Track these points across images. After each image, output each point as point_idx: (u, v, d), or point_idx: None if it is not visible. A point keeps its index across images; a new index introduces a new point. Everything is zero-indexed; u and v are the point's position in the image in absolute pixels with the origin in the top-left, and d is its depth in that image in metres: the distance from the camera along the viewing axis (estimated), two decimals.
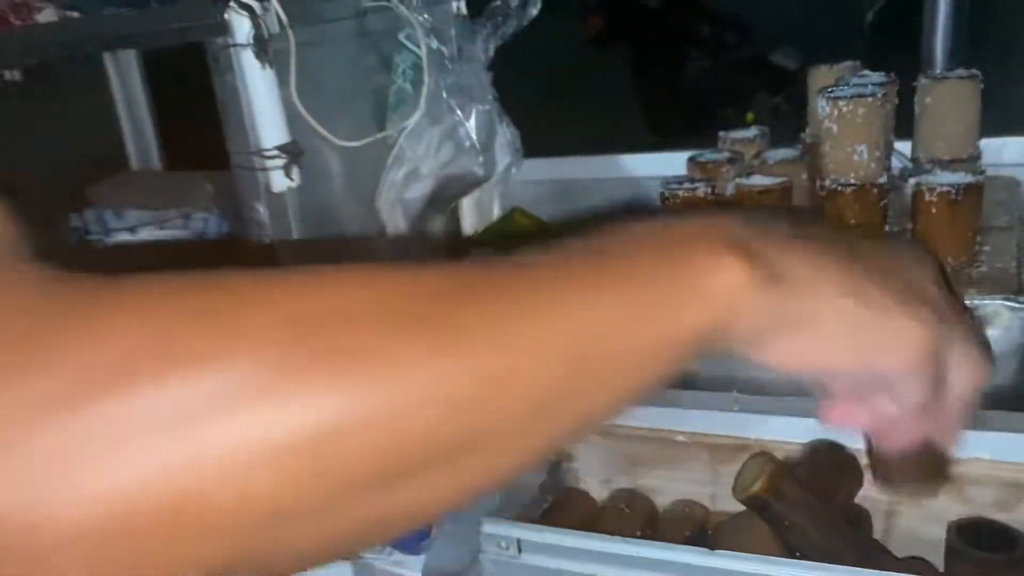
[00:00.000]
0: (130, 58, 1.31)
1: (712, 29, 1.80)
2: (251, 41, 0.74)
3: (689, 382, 0.72)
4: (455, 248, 1.05)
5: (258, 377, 0.23)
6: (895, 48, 1.10)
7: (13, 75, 1.07)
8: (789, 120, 0.99)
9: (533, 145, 1.07)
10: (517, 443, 0.29)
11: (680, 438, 0.70)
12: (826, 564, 0.53)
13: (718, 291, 0.30)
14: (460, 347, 0.26)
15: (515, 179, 1.05)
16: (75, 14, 0.85)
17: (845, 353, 0.34)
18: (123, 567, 0.22)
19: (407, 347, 0.25)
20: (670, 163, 1.09)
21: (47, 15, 0.86)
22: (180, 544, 0.23)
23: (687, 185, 0.73)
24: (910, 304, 0.35)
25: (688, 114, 1.71)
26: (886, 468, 0.40)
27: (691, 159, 0.81)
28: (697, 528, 0.69)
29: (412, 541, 0.88)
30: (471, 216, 1.08)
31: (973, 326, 0.38)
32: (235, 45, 0.74)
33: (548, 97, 1.27)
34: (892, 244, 0.45)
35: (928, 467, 0.39)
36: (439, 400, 0.25)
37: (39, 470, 0.21)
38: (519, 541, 0.63)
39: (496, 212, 1.10)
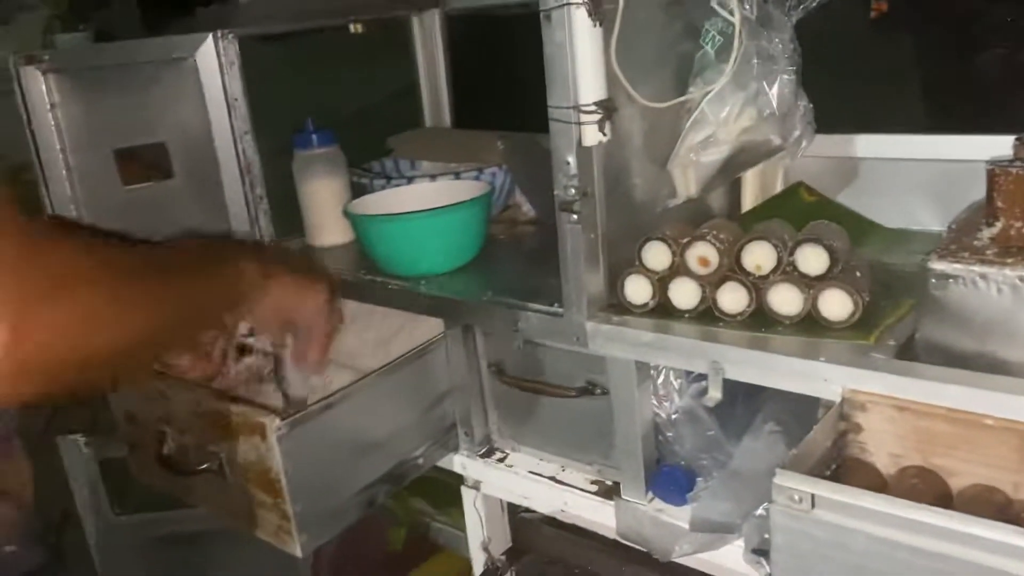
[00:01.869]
0: (435, 21, 1.42)
1: (1011, 11, 1.66)
2: (586, 0, 0.79)
3: (998, 368, 0.70)
4: (735, 219, 1.06)
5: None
6: None
7: (357, 28, 1.20)
8: None
9: (820, 120, 1.06)
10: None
11: (988, 421, 0.68)
12: None
13: (244, 280, 0.84)
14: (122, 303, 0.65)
15: (803, 153, 1.05)
16: None
17: (284, 310, 0.90)
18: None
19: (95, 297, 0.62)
20: (957, 146, 1.05)
21: None
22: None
23: (1020, 164, 0.70)
24: (307, 280, 0.93)
25: (979, 101, 1.60)
26: (286, 385, 0.98)
27: (1019, 139, 0.77)
28: (998, 513, 0.66)
29: (678, 492, 0.91)
30: (753, 187, 1.09)
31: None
32: (570, 3, 0.80)
33: (837, 73, 1.24)
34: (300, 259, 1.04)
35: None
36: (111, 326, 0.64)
37: None
38: (814, 496, 0.64)
39: (779, 185, 1.10)
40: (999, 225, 0.71)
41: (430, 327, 1.12)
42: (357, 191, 1.26)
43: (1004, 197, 0.70)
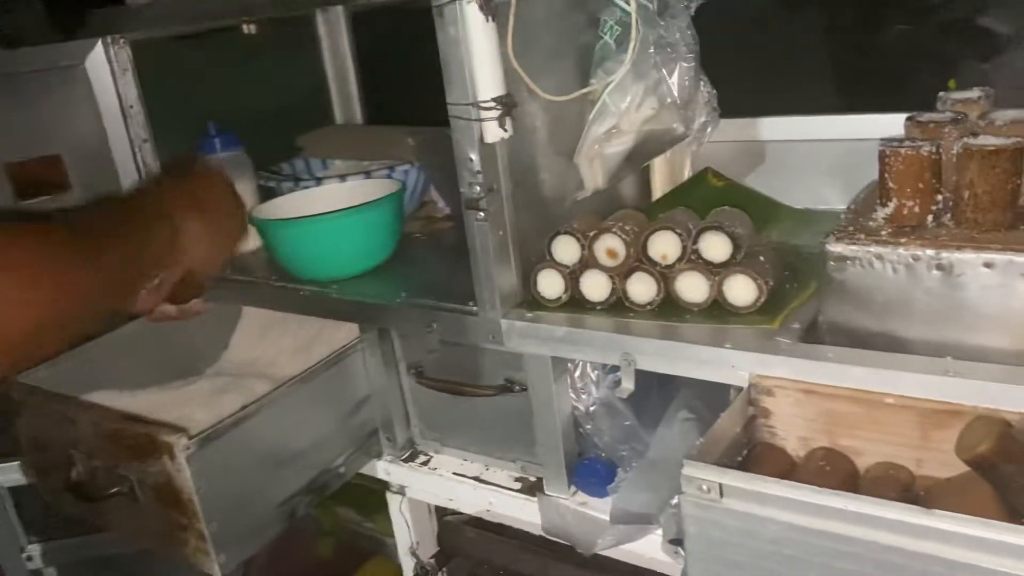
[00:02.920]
0: (339, 18, 1.39)
1: None
2: None
3: (898, 346, 0.71)
4: (644, 208, 1.06)
5: None
6: None
7: (250, 28, 1.16)
8: (997, 87, 0.93)
9: (725, 105, 1.06)
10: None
11: (888, 400, 0.69)
12: None
13: (163, 237, 0.81)
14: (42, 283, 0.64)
15: (709, 139, 1.05)
16: None
17: (207, 257, 0.87)
18: None
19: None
20: (861, 125, 1.07)
21: None
22: None
23: (909, 144, 0.71)
24: (224, 219, 0.90)
25: (883, 79, 1.63)
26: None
27: (910, 119, 0.79)
28: (902, 490, 0.68)
29: (599, 483, 0.91)
30: (662, 175, 1.09)
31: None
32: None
33: (741, 59, 1.25)
34: (211, 179, 0.92)
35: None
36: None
37: None
38: (721, 485, 0.64)
39: (687, 172, 1.10)
40: (892, 205, 0.72)
41: (349, 331, 1.10)
42: (266, 194, 1.23)
43: (895, 177, 0.71)
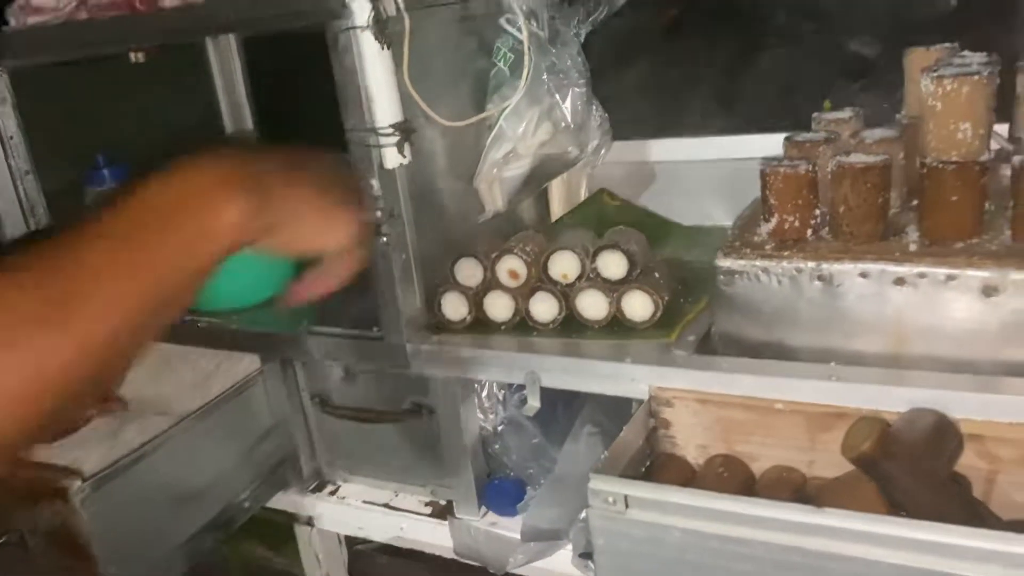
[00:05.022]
0: (231, 44, 1.37)
1: (789, 16, 1.79)
2: (370, 23, 0.78)
3: (786, 354, 0.75)
4: (543, 229, 1.08)
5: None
6: (981, 32, 1.10)
7: (138, 57, 1.13)
8: (869, 107, 1.00)
9: (618, 128, 1.10)
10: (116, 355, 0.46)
11: (778, 406, 0.73)
12: (934, 523, 0.56)
13: (227, 226, 0.49)
14: (69, 325, 0.43)
15: (603, 161, 1.08)
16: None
17: (307, 241, 0.56)
18: None
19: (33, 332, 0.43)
20: (745, 145, 1.12)
21: (172, 0, 0.91)
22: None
23: (787, 163, 0.75)
24: (338, 203, 0.57)
25: (764, 102, 1.71)
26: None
27: (788, 139, 0.83)
28: (795, 492, 0.71)
29: (508, 503, 0.92)
30: (560, 196, 1.11)
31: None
32: (355, 28, 0.79)
33: (631, 84, 1.30)
34: (323, 158, 0.61)
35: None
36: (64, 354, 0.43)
37: None
38: (627, 497, 0.66)
39: (584, 193, 1.13)
40: (774, 221, 0.76)
41: (250, 362, 1.08)
42: None
43: (776, 195, 0.75)
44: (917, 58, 0.83)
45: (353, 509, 1.05)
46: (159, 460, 0.95)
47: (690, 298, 0.89)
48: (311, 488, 1.09)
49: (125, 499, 0.90)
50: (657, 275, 0.88)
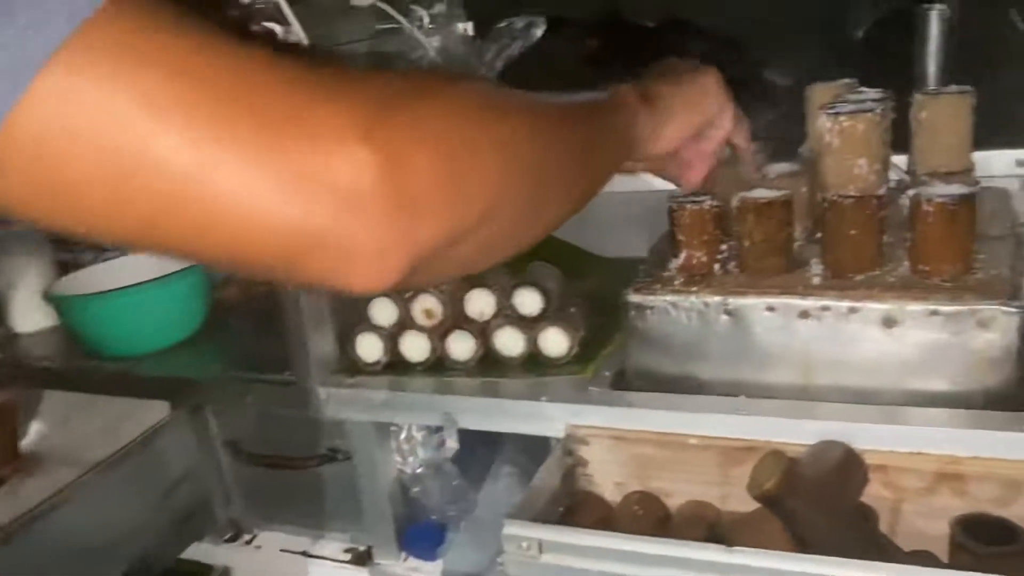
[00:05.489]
0: None
1: (705, 47, 1.83)
2: None
3: (698, 388, 0.75)
4: None
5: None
6: (884, 64, 1.14)
7: None
8: (782, 136, 1.02)
9: None
10: (577, 181, 0.51)
11: (691, 441, 0.73)
12: (838, 558, 0.56)
13: (630, 104, 0.61)
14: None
15: None
16: None
17: (691, 117, 0.67)
18: None
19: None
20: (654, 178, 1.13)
21: None
22: None
23: (693, 199, 0.76)
24: (696, 77, 0.70)
25: None
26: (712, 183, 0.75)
27: None
28: (709, 527, 0.71)
29: (429, 547, 0.90)
30: None
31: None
32: None
33: None
34: (682, 64, 0.71)
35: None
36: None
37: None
38: (540, 542, 0.65)
39: None
40: (683, 256, 0.76)
41: (160, 408, 1.04)
42: (63, 269, 1.15)
43: (683, 231, 0.76)
44: (818, 93, 0.85)
45: (270, 558, 1.01)
46: (65, 514, 0.90)
47: (607, 332, 0.89)
48: (226, 538, 1.05)
49: (28, 557, 0.86)
50: (573, 310, 0.88)
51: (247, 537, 1.05)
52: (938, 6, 0.93)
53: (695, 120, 0.68)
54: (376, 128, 0.34)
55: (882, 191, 0.71)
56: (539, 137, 0.46)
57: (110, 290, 1.01)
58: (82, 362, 1.02)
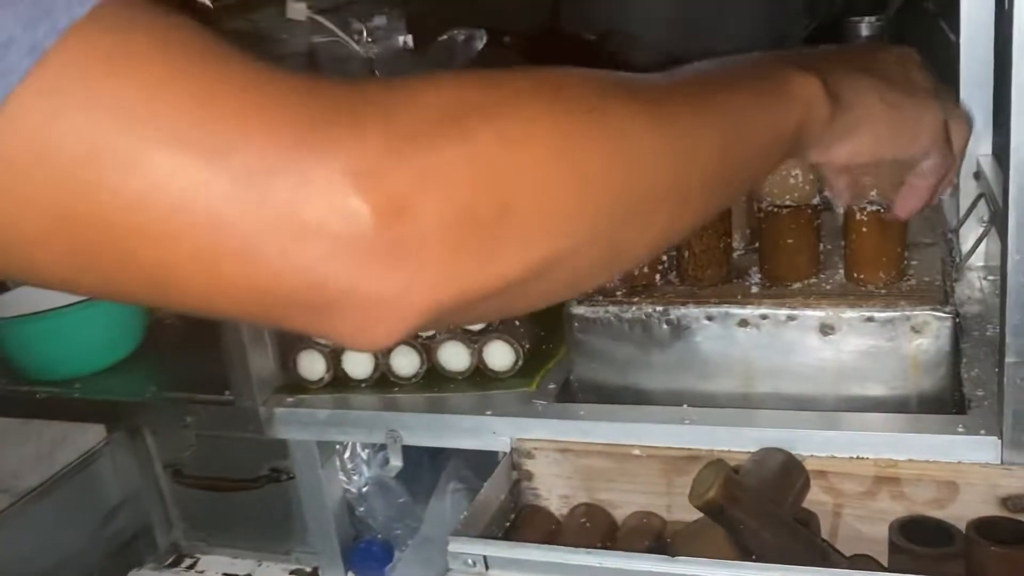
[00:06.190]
0: None
1: (646, 60, 1.86)
2: None
3: (642, 398, 0.75)
4: None
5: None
6: None
7: None
8: None
9: None
10: (693, 203, 0.41)
11: (635, 452, 0.73)
12: (780, 565, 0.56)
13: (806, 99, 0.45)
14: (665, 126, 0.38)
15: None
16: None
17: (884, 146, 0.52)
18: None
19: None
20: None
21: None
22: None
23: None
24: (915, 96, 0.53)
25: None
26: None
27: None
28: (655, 538, 0.71)
29: (375, 566, 0.89)
30: None
31: (951, 95, 0.58)
32: None
33: None
34: (885, 53, 0.56)
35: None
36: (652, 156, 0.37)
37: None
38: (486, 558, 0.64)
39: None
40: None
41: (97, 432, 1.01)
42: None
43: None
44: None
45: None
46: None
47: (552, 345, 0.89)
48: (168, 563, 1.03)
49: None
50: (518, 323, 0.88)
51: (189, 562, 1.02)
52: (868, 18, 0.95)
53: (883, 152, 0.53)
54: (380, 174, 0.29)
55: (816, 200, 0.73)
56: (648, 159, 0.37)
57: (40, 312, 0.97)
58: (13, 387, 0.98)
